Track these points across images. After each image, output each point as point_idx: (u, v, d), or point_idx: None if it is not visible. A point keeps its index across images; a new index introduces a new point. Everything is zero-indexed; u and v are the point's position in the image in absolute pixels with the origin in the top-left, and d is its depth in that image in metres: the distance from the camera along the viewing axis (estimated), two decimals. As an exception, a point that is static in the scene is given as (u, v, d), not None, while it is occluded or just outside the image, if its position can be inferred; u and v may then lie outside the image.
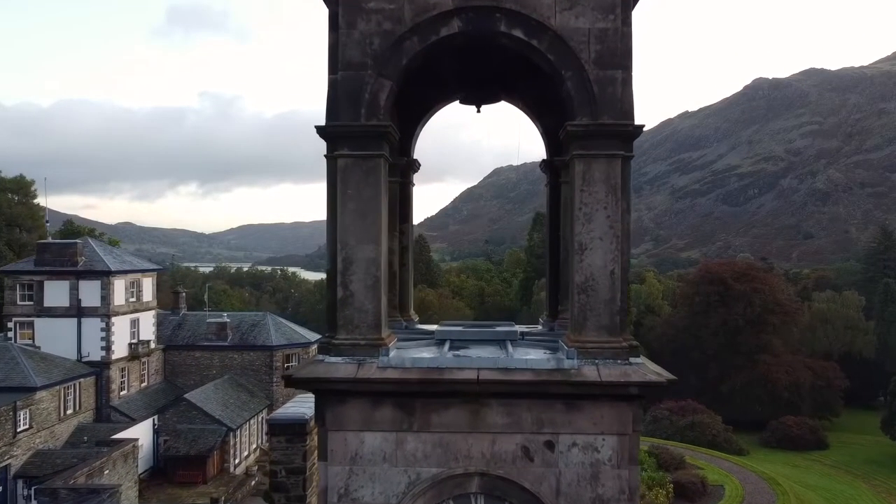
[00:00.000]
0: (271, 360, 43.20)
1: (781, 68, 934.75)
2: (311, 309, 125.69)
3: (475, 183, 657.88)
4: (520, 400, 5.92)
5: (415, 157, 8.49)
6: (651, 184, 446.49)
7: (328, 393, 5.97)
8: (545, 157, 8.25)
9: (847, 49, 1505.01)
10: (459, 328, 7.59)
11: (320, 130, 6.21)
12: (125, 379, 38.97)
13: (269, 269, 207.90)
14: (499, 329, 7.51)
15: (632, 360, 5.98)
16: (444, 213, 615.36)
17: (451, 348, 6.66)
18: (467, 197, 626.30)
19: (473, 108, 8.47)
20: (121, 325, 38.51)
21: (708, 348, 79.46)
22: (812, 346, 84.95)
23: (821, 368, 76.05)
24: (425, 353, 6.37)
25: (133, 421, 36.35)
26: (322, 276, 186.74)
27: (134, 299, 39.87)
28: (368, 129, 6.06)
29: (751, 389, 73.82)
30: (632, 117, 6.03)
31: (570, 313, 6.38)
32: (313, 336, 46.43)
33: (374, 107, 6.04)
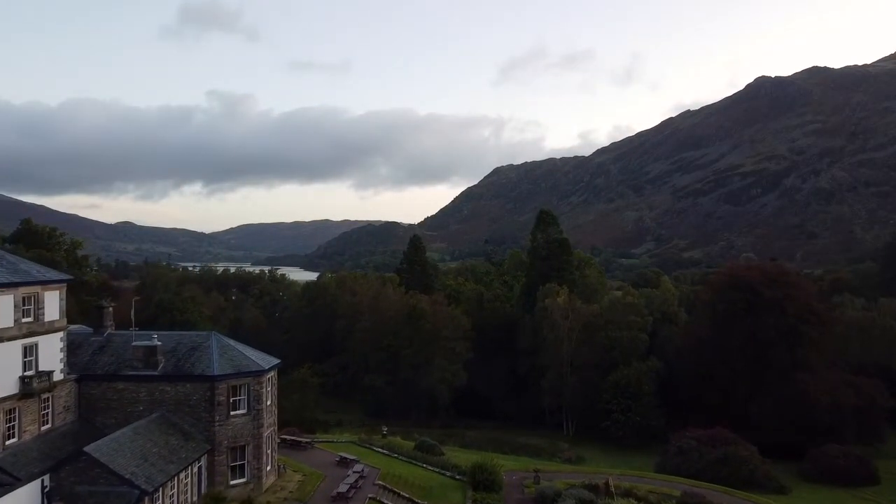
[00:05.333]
0: (213, 394, 34.09)
1: (784, 67, 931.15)
2: (297, 313, 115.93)
3: (476, 182, 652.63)
4: None
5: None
6: (652, 183, 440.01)
7: None
8: None
9: (850, 47, 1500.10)
10: None
11: None
12: (14, 423, 29.88)
13: (258, 270, 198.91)
14: None
15: None
16: (445, 212, 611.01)
17: None
18: (468, 196, 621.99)
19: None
20: (7, 354, 29.44)
21: (734, 363, 69.91)
22: (845, 360, 75.87)
23: (864, 386, 66.97)
24: None
25: (17, 481, 27.39)
26: (313, 276, 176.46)
27: (30, 319, 30.78)
28: None
29: (785, 411, 64.83)
30: None
31: None
32: (269, 362, 37.37)
33: None
